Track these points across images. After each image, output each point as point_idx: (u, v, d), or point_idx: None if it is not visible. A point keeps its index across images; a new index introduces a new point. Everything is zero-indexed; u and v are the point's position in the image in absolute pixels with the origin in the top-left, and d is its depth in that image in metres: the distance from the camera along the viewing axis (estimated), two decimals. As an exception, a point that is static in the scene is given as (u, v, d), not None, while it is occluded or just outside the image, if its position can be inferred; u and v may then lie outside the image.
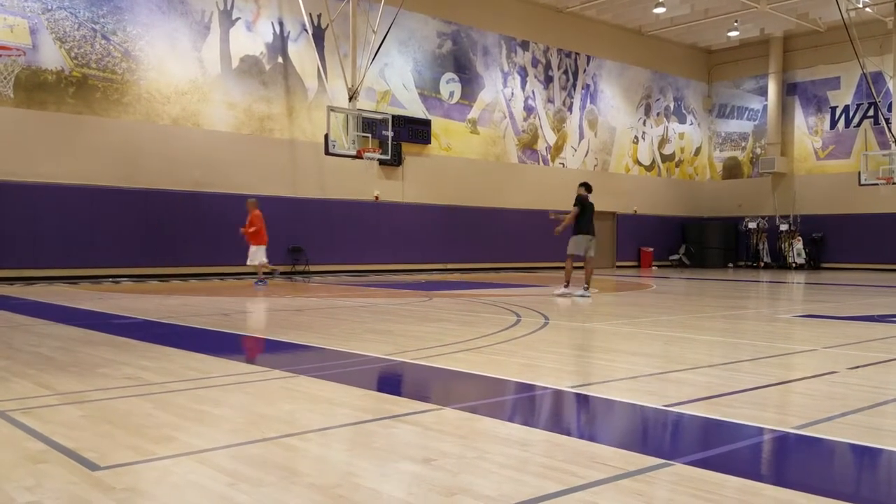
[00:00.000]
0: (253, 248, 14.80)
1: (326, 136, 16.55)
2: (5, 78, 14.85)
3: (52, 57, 15.35)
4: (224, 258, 17.49)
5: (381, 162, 19.46)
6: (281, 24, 18.61)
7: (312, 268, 18.73)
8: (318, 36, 18.94)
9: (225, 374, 4.94)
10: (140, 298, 11.35)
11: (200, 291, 13.10)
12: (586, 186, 12.93)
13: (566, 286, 12.49)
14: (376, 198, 20.23)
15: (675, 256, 28.77)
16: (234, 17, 17.82)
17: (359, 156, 17.16)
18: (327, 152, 16.70)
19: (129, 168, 16.31)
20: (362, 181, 19.86)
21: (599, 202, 25.85)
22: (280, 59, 18.60)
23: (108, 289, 13.52)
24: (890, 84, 23.74)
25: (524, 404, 4.37)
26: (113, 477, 2.77)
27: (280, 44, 18.60)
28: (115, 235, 16.08)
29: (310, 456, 3.10)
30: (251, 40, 18.10)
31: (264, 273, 15.08)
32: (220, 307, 9.99)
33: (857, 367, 5.42)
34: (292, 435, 3.38)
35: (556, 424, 3.94)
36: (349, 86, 17.24)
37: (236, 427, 3.57)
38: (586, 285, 12.59)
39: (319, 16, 18.84)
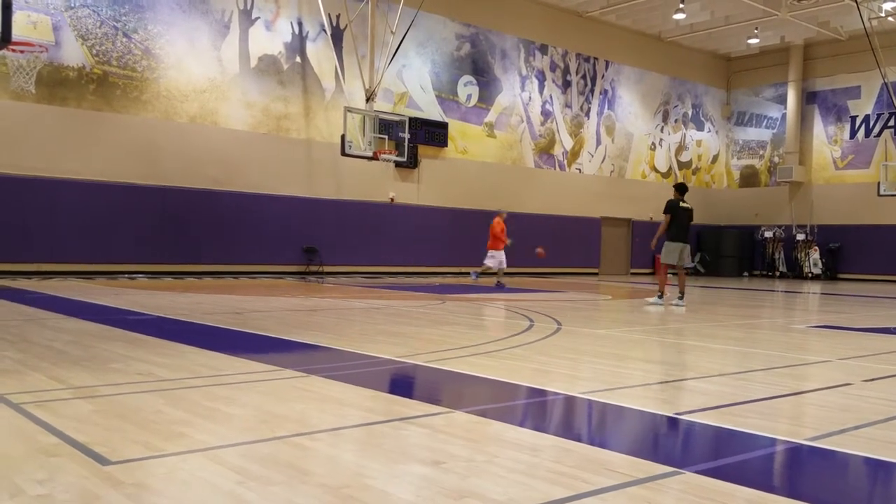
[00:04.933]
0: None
1: (343, 137, 16.59)
2: (27, 74, 15.00)
3: (73, 54, 15.49)
4: (239, 257, 17.59)
5: (397, 164, 19.50)
6: (300, 23, 18.69)
7: (326, 268, 18.78)
8: (337, 36, 19.01)
9: (237, 373, 4.96)
10: (155, 295, 11.43)
11: (215, 289, 13.17)
12: (678, 188, 12.29)
13: (660, 296, 11.95)
14: (391, 200, 20.26)
15: (691, 264, 28.56)
16: (253, 17, 17.92)
17: (375, 157, 17.19)
18: (343, 153, 16.74)
19: (146, 165, 16.43)
20: (378, 183, 19.90)
21: (615, 209, 26.06)
22: (298, 59, 18.68)
23: (124, 284, 13.63)
24: (911, 94, 23.51)
25: (535, 409, 4.35)
26: (123, 472, 2.79)
27: (298, 44, 18.68)
28: (132, 232, 16.20)
29: (320, 456, 3.10)
30: (270, 40, 18.19)
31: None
32: (233, 306, 10.03)
33: (873, 379, 5.36)
34: (303, 434, 3.39)
35: (567, 430, 3.92)
36: (366, 87, 17.28)
37: (247, 425, 3.58)
38: (681, 294, 12.09)
39: (338, 16, 18.91)
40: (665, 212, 12.03)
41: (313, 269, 18.62)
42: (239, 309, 9.53)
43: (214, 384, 4.54)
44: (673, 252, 11.99)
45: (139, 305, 9.54)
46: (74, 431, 3.31)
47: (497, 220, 16.38)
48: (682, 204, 12.02)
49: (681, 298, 11.96)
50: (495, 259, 16.22)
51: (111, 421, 3.55)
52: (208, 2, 17.23)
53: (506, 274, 17.26)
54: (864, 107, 26.36)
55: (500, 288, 15.86)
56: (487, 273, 16.82)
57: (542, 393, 4.63)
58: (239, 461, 2.97)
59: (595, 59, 25.47)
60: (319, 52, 18.94)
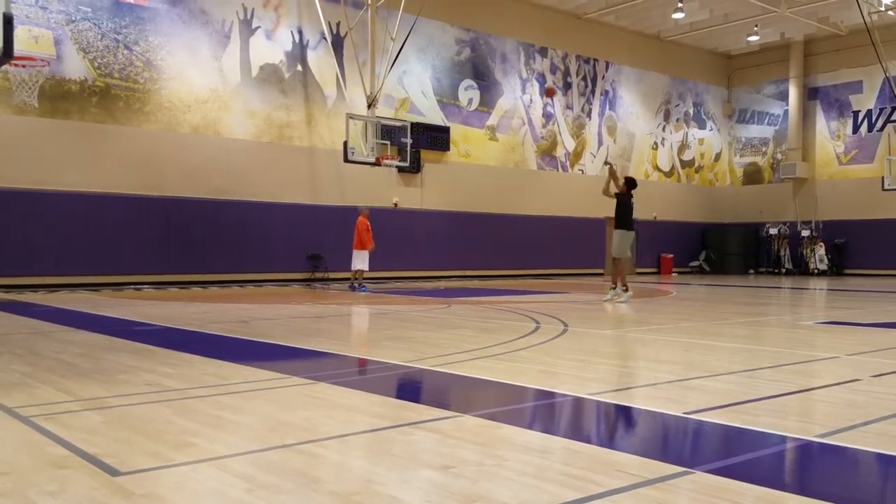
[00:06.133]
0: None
1: (345, 144, 16.64)
2: (30, 88, 15.07)
3: (75, 67, 15.56)
4: (245, 266, 17.63)
5: (400, 169, 19.53)
6: (300, 32, 18.75)
7: (331, 275, 18.80)
8: (337, 44, 19.06)
9: (244, 381, 4.96)
10: (161, 305, 11.45)
11: (220, 299, 13.19)
12: (627, 182, 12.75)
13: (626, 289, 12.31)
14: (395, 205, 20.28)
15: (696, 263, 28.56)
16: (253, 27, 17.98)
17: (378, 163, 17.22)
18: (346, 160, 16.79)
19: (150, 176, 16.49)
20: (381, 188, 19.93)
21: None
22: (299, 67, 18.73)
23: (130, 296, 13.66)
24: (913, 88, 23.46)
25: (543, 411, 4.35)
26: (133, 483, 2.79)
27: (299, 52, 18.73)
28: (137, 243, 16.25)
29: (329, 463, 3.11)
30: (271, 49, 18.25)
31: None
32: (239, 314, 10.05)
33: (881, 374, 5.34)
34: (311, 442, 3.39)
35: (576, 432, 3.92)
36: (368, 93, 17.32)
37: (255, 434, 3.58)
38: (625, 287, 12.36)
39: (338, 24, 18.97)
40: (625, 185, 12.50)
41: (318, 275, 18.65)
42: (245, 317, 9.54)
43: (222, 393, 4.55)
44: (628, 241, 12.37)
45: (146, 316, 9.56)
46: (84, 443, 3.32)
47: (361, 218, 15.73)
48: (631, 199, 12.55)
49: (618, 289, 12.25)
50: (364, 260, 15.57)
51: (120, 432, 3.56)
52: (208, 12, 17.29)
53: (513, 276, 17.20)
54: (866, 101, 26.31)
55: (352, 289, 15.42)
56: (358, 277, 15.88)
57: (550, 395, 4.63)
58: (248, 470, 2.97)
59: (595, 60, 25.48)
60: (320, 60, 18.99)
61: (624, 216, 12.39)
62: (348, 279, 16.56)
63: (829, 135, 27.28)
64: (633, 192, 12.64)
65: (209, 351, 6.42)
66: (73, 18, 15.55)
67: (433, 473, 2.92)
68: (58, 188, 15.33)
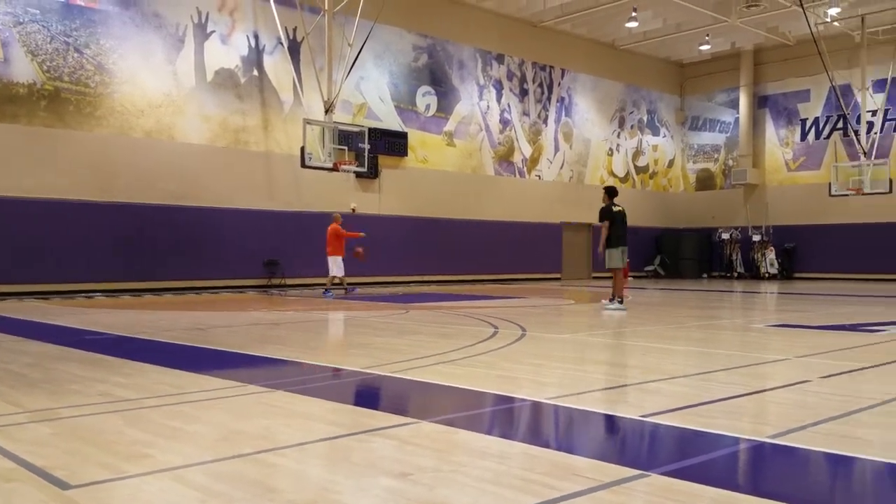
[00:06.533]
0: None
1: (302, 149, 16.51)
2: (-25, 91, 14.64)
3: (23, 70, 15.17)
4: (200, 272, 17.36)
5: (358, 174, 19.47)
6: (256, 37, 18.57)
7: (289, 281, 18.62)
8: (294, 49, 18.92)
9: (199, 390, 4.88)
10: (114, 314, 11.21)
11: (175, 306, 12.97)
12: (609, 192, 12.07)
13: (621, 301, 11.96)
14: (353, 210, 20.19)
15: (651, 267, 29.00)
16: (208, 31, 17.75)
17: (335, 168, 17.14)
18: (303, 165, 16.66)
19: (102, 182, 16.14)
20: (339, 194, 19.82)
21: (575, 214, 26.31)
22: (255, 72, 18.55)
23: (82, 304, 13.34)
24: (858, 96, 24.20)
25: (501, 416, 4.37)
26: (84, 495, 2.73)
27: (255, 57, 18.55)
28: (89, 250, 15.88)
29: (286, 472, 3.07)
30: (226, 53, 18.03)
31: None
32: (194, 322, 9.89)
33: (829, 375, 5.49)
34: (268, 451, 3.35)
35: (534, 436, 3.95)
36: (325, 98, 17.23)
37: (211, 443, 3.53)
38: (620, 298, 12.07)
39: (295, 29, 18.83)
40: (602, 219, 11.87)
41: (275, 282, 18.45)
42: (200, 325, 9.40)
43: (176, 403, 4.47)
44: (617, 256, 11.93)
45: (98, 325, 9.35)
46: (32, 455, 3.23)
47: (333, 224, 16.06)
48: (615, 208, 11.91)
49: (620, 301, 11.93)
50: (340, 266, 15.91)
51: (71, 444, 3.47)
52: (162, 16, 17.02)
53: (472, 281, 17.26)
54: (813, 110, 27.06)
55: (336, 293, 15.96)
56: (336, 284, 16.37)
57: (508, 400, 4.65)
58: (203, 480, 2.93)
59: (551, 67, 25.75)
60: (277, 65, 18.83)
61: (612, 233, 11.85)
62: (309, 285, 16.50)
63: (778, 142, 27.98)
64: (615, 200, 12.02)
65: (163, 360, 6.30)
66: (21, 20, 15.16)
67: (390, 481, 2.91)
68: (5, 194, 14.90)
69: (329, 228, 16.09)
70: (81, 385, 5.02)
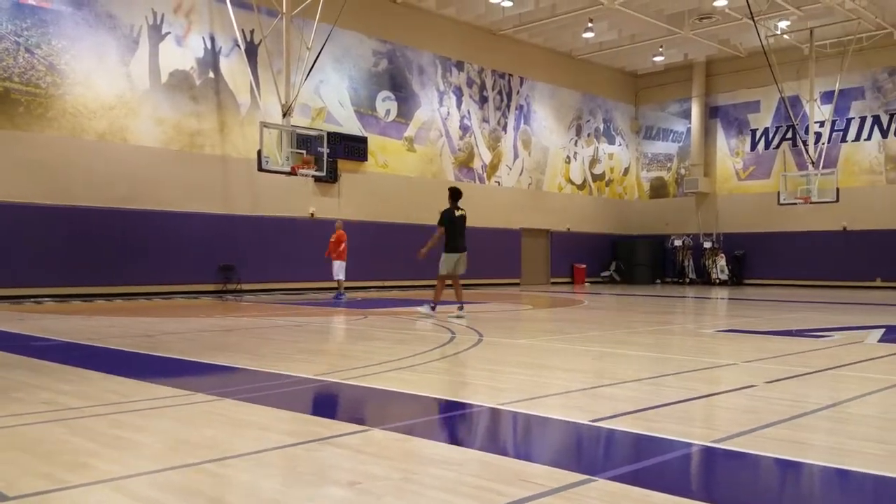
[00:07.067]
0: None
1: (259, 153, 16.33)
2: (-83, 89, 14.17)
3: (-31, 68, 14.75)
4: (153, 277, 17.04)
5: (317, 178, 19.31)
6: (212, 39, 18.34)
7: (245, 286, 18.39)
8: (251, 51, 18.74)
9: (146, 398, 4.78)
10: (62, 319, 10.94)
11: (126, 312, 12.70)
12: (453, 195, 11.33)
13: (433, 307, 11.28)
14: (312, 215, 20.04)
15: (607, 273, 29.36)
16: (163, 32, 17.47)
17: (293, 172, 16.97)
18: (260, 169, 16.47)
19: (52, 184, 15.75)
20: (297, 198, 19.66)
21: (533, 220, 26.51)
22: (211, 74, 18.31)
23: (29, 309, 12.99)
24: (807, 107, 24.85)
25: (455, 423, 4.36)
26: (22, 508, 2.65)
27: (211, 59, 18.32)
28: (38, 254, 15.48)
29: (233, 482, 3.02)
30: (181, 55, 17.77)
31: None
32: (145, 328, 9.70)
33: (775, 380, 5.61)
34: (215, 461, 3.29)
35: (487, 443, 3.95)
36: (283, 102, 17.07)
37: (156, 453, 3.46)
38: (461, 304, 11.45)
39: (252, 31, 18.65)
40: (440, 223, 11.20)
41: (230, 287, 18.21)
42: (150, 331, 9.22)
43: (122, 411, 4.37)
44: (450, 262, 11.28)
45: (45, 331, 9.11)
46: (-32, 468, 3.13)
47: (339, 231, 16.80)
48: (457, 213, 11.27)
49: (461, 308, 11.31)
50: (341, 269, 16.63)
51: (9, 453, 3.37)
52: (115, 16, 16.71)
53: (431, 287, 17.25)
54: (763, 120, 27.72)
55: (338, 298, 16.47)
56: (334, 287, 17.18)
57: (462, 406, 4.65)
58: (148, 491, 2.86)
59: (510, 75, 25.93)
60: (233, 68, 18.62)
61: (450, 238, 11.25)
62: (266, 291, 16.35)
63: (728, 152, 28.59)
64: (458, 203, 11.32)
65: (110, 367, 6.17)
66: (-33, 17, 14.74)
67: (339, 490, 2.88)
68: (-52, 196, 14.46)
69: (334, 235, 16.69)
70: (25, 392, 4.88)
